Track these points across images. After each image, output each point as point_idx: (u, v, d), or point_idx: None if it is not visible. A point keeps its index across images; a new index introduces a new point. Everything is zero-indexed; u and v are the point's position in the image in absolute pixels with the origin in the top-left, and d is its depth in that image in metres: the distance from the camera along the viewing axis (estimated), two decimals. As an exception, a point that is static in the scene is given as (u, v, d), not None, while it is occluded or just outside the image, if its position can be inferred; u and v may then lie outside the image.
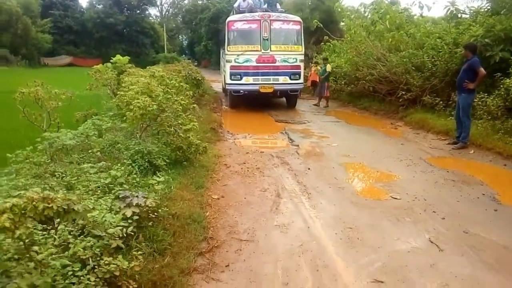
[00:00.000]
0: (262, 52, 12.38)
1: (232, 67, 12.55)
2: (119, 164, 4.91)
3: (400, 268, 3.53)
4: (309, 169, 6.48)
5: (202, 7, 50.44)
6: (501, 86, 8.15)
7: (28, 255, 2.22)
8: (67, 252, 2.67)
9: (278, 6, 15.44)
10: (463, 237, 4.11)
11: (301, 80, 13.07)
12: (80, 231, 3.05)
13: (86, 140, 6.46)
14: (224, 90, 15.70)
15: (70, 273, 2.44)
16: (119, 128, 7.52)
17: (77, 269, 2.57)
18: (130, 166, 5.05)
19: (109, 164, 4.80)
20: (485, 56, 9.07)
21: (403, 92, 11.45)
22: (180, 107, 5.81)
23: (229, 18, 13.41)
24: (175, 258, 3.49)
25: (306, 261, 3.67)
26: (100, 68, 10.37)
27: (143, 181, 4.66)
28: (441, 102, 10.27)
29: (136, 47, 54.26)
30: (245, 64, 12.44)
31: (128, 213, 3.50)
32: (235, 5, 15.19)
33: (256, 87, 12.49)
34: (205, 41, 48.38)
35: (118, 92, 7.04)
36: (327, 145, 8.28)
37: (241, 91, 12.66)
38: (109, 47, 51.04)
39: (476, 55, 7.82)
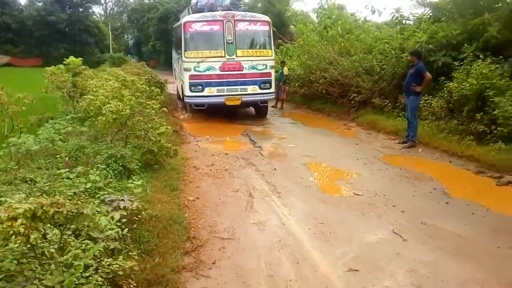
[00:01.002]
0: (227, 59, 10.97)
1: (191, 77, 10.96)
2: (94, 169, 4.95)
3: (371, 257, 3.91)
4: (275, 169, 6.79)
5: (149, 6, 49.65)
6: (444, 89, 8.90)
7: (45, 257, 2.32)
8: (68, 254, 2.77)
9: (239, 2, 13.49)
10: (422, 228, 4.58)
11: (272, 90, 11.78)
12: (74, 234, 3.14)
13: (51, 145, 6.39)
14: (179, 98, 14.19)
15: (77, 274, 2.55)
16: (79, 132, 7.46)
17: (81, 270, 2.68)
18: (105, 171, 5.10)
19: (88, 169, 4.82)
20: (429, 61, 9.82)
21: (354, 95, 12.09)
22: (153, 111, 5.92)
23: (186, 19, 11.67)
24: (164, 258, 3.65)
25: (286, 255, 3.96)
26: (54, 70, 10.13)
27: (120, 185, 4.74)
28: (389, 104, 10.97)
29: (79, 46, 52.19)
30: (207, 72, 10.94)
31: (117, 216, 3.61)
32: (193, 1, 13.62)
33: (221, 100, 11.01)
34: (153, 41, 47.63)
35: (85, 96, 7.00)
36: (288, 146, 8.64)
37: (204, 105, 11.17)
38: (51, 46, 48.92)
39: (421, 60, 8.50)
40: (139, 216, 3.98)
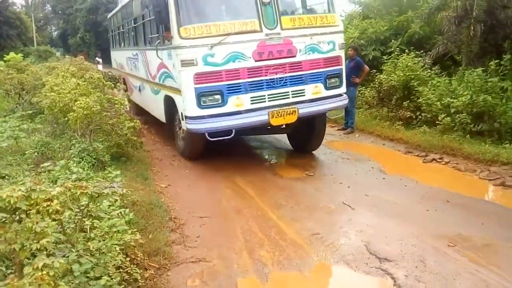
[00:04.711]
0: (266, 34, 5.96)
1: (199, 78, 5.80)
2: (71, 162, 5.27)
3: (328, 223, 4.70)
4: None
5: (76, -3, 47.79)
6: (375, 80, 10.01)
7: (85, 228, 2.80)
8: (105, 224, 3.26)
9: None
10: (366, 198, 5.45)
11: (344, 88, 6.91)
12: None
13: (16, 142, 6.54)
14: (135, 110, 10.66)
15: (115, 239, 3.06)
16: (31, 129, 7.57)
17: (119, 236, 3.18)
18: (81, 163, 5.44)
19: (68, 161, 5.14)
20: (361, 55, 10.93)
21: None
22: (122, 106, 6.28)
23: None
24: (154, 235, 4.18)
25: (257, 225, 4.65)
26: (1, 67, 9.99)
27: (101, 176, 5.12)
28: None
29: (0, 40, 48.97)
30: (232, 66, 5.85)
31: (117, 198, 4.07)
32: None
33: (261, 117, 6.01)
34: (82, 32, 45.94)
35: (42, 93, 7.13)
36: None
37: (229, 132, 5.93)
38: (-33, 39, 45.37)
39: (358, 55, 9.53)
40: (125, 201, 4.45)
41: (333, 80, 6.61)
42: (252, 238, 4.34)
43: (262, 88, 6.04)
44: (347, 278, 3.74)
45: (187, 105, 5.96)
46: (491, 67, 8.20)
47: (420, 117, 8.53)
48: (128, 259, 3.25)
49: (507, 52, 8.68)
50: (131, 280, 3.09)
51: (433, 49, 9.98)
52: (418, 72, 8.98)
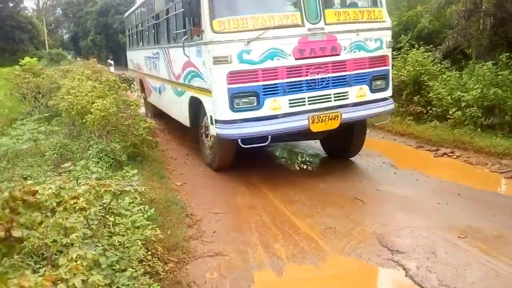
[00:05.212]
0: (308, 29, 5.46)
1: (233, 77, 5.32)
2: (90, 162, 5.46)
3: (340, 217, 4.80)
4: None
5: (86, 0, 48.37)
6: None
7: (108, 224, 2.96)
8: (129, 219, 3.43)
9: None
10: (377, 193, 5.55)
11: (390, 91, 6.36)
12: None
13: (35, 144, 6.75)
14: (153, 112, 10.64)
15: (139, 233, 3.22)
16: (49, 132, 7.79)
17: (143, 230, 3.35)
18: (99, 164, 5.61)
19: (88, 162, 5.32)
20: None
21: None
22: (137, 107, 6.46)
23: None
24: (172, 230, 4.33)
25: (270, 219, 4.79)
26: (11, 71, 10.25)
27: (119, 175, 5.29)
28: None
29: (12, 44, 49.69)
30: (270, 64, 5.35)
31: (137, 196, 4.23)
32: None
33: (300, 122, 5.52)
34: (93, 35, 46.56)
35: (57, 96, 7.35)
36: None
37: (265, 139, 5.49)
38: (-20, 44, 46.29)
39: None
40: (143, 199, 4.61)
41: (379, 82, 6.06)
42: (266, 233, 4.48)
43: (302, 90, 5.50)
44: (360, 270, 3.85)
45: (218, 107, 5.45)
46: (502, 60, 8.20)
47: (430, 111, 8.58)
48: (149, 253, 3.41)
49: (518, 45, 8.69)
50: (153, 272, 3.24)
51: (443, 44, 9.99)
52: (428, 67, 9.02)
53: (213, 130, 5.66)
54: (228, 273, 3.75)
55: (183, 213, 4.90)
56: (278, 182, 6.05)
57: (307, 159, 7.37)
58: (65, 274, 1.92)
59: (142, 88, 10.68)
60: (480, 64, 8.25)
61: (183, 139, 8.99)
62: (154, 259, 3.36)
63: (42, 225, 2.51)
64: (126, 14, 13.71)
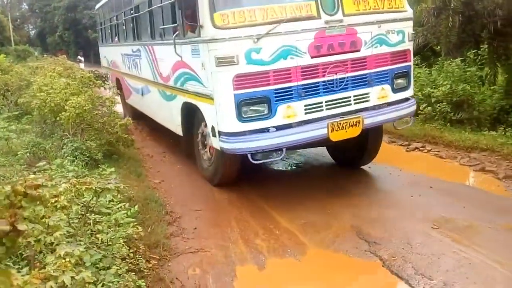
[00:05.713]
0: (325, 22, 4.64)
1: (240, 81, 4.44)
2: (66, 161, 5.36)
3: (318, 211, 4.89)
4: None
5: (54, -5, 47.07)
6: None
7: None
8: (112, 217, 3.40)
9: None
10: (353, 187, 5.67)
11: (412, 90, 5.63)
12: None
13: (6, 144, 6.57)
14: (132, 114, 9.48)
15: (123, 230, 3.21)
16: (19, 130, 7.59)
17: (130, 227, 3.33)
18: (75, 162, 5.52)
19: (63, 160, 5.22)
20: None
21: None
22: (112, 104, 6.37)
23: None
24: (153, 228, 4.32)
25: (251, 214, 4.85)
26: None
27: (96, 173, 5.23)
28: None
29: (-25, 40, 47.97)
30: (283, 65, 4.51)
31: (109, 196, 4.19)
32: None
33: (318, 131, 4.72)
34: (61, 31, 45.32)
35: (28, 93, 7.16)
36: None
37: (279, 150, 4.82)
38: None
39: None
40: (121, 197, 4.57)
41: (400, 81, 5.29)
42: (245, 226, 4.54)
43: (319, 93, 4.69)
44: (339, 262, 3.95)
45: (222, 117, 4.58)
46: (469, 57, 8.51)
47: (402, 107, 8.79)
48: (131, 251, 3.40)
49: (485, 42, 9.02)
50: (136, 270, 3.24)
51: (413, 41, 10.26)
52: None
53: (216, 143, 4.81)
54: (210, 268, 3.78)
55: (163, 210, 4.89)
56: (256, 176, 6.10)
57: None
58: (54, 272, 1.91)
59: (119, 88, 9.58)
60: (449, 61, 8.53)
61: (159, 136, 8.92)
62: (137, 256, 3.36)
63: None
64: (98, 5, 12.27)
